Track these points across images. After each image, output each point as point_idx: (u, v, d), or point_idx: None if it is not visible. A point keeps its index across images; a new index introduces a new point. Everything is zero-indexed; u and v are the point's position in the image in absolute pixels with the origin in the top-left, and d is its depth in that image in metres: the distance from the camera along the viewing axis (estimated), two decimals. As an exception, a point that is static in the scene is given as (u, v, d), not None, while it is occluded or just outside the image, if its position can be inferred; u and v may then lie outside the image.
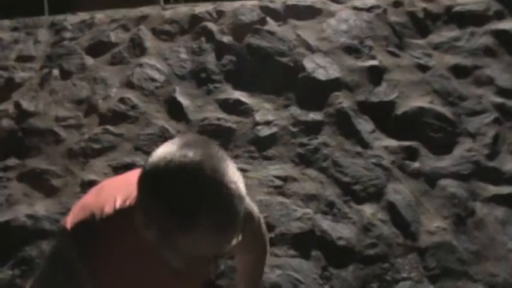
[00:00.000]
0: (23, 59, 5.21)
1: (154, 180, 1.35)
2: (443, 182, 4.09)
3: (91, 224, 1.51)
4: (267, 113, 4.34)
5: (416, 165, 4.16)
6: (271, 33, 4.83)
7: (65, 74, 4.94)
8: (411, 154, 4.22)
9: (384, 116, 4.40)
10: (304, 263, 3.56)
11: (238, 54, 4.72)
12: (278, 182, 3.93)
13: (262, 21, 4.91)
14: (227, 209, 1.33)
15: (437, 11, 5.19)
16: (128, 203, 1.52)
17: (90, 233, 1.50)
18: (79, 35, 5.29)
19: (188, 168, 1.33)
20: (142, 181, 1.38)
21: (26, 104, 4.74)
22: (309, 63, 4.63)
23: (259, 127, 4.25)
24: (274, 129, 4.24)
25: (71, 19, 5.51)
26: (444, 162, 4.20)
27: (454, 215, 3.94)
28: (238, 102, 4.42)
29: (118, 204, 1.53)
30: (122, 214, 1.51)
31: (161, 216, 1.33)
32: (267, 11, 5.03)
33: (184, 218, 1.31)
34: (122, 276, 1.53)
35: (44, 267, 1.58)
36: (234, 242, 1.39)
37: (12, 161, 4.39)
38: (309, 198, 3.85)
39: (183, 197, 1.31)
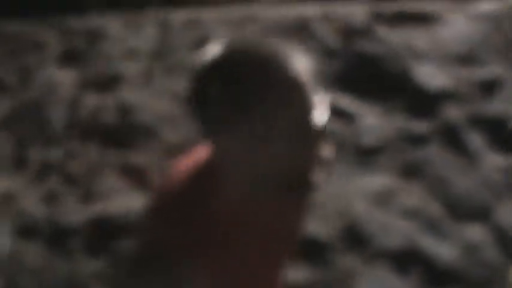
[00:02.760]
0: (129, 52, 5.27)
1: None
2: (558, 206, 3.80)
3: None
4: (372, 121, 4.18)
5: (529, 185, 3.89)
6: (380, 38, 4.66)
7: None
8: (524, 174, 3.95)
9: (496, 130, 4.15)
10: (401, 281, 3.38)
11: (346, 59, 4.58)
12: (379, 193, 3.76)
13: (371, 26, 4.75)
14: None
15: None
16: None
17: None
18: (185, 32, 5.31)
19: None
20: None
21: (129, 98, 4.79)
22: (418, 71, 4.43)
23: (363, 134, 4.09)
24: (378, 138, 4.07)
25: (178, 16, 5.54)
26: (560, 185, 3.91)
27: None
28: (343, 107, 4.28)
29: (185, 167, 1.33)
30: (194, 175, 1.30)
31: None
32: (376, 15, 4.86)
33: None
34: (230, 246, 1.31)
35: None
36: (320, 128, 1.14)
37: (112, 153, 4.44)
38: (410, 213, 3.66)
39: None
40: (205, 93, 1.12)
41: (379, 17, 4.85)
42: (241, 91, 1.09)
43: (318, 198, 3.72)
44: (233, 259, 1.29)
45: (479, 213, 3.71)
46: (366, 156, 4.00)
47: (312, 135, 1.15)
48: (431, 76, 4.41)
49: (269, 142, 1.12)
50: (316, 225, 3.58)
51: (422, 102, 4.27)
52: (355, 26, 4.77)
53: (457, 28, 4.80)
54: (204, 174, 1.29)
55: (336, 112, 4.27)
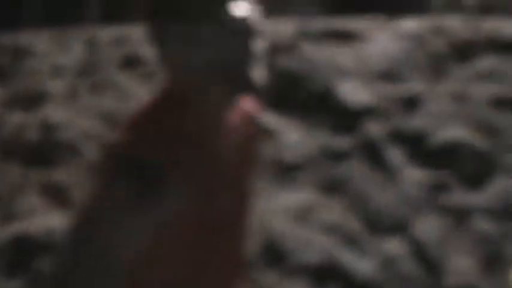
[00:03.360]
0: (55, 69, 5.22)
1: None
2: (474, 218, 3.91)
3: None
4: (295, 137, 4.23)
5: (447, 199, 3.98)
6: (305, 55, 4.73)
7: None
8: (442, 187, 4.04)
9: (416, 146, 4.24)
10: (320, 296, 3.42)
11: (270, 75, 4.63)
12: (299, 209, 3.80)
13: (297, 43, 4.82)
14: None
15: (478, 39, 5.02)
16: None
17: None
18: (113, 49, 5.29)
19: None
20: None
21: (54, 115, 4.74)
22: (341, 88, 4.50)
23: (285, 150, 4.14)
24: (300, 154, 4.12)
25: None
26: (477, 198, 4.02)
27: (485, 255, 3.75)
28: (266, 123, 4.32)
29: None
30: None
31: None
32: (302, 33, 4.94)
33: None
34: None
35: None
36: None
37: (35, 171, 4.37)
38: (330, 229, 3.71)
39: None
40: (155, 8, 1.34)
41: (305, 35, 4.93)
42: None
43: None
44: (206, 169, 1.34)
45: (398, 228, 3.78)
46: (287, 172, 4.04)
47: (238, 29, 1.33)
48: (354, 93, 4.49)
49: (205, 35, 1.31)
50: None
51: (344, 118, 4.34)
52: (281, 43, 4.83)
53: (380, 46, 4.91)
54: (168, 97, 1.39)
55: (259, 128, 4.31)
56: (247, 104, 1.52)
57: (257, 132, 1.52)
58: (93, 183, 1.29)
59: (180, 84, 1.36)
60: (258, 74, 1.34)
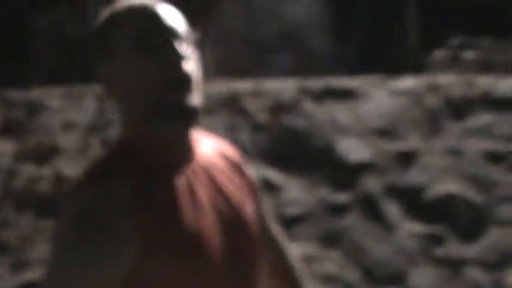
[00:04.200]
0: (67, 124, 5.42)
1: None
2: (468, 269, 4.04)
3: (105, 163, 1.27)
4: (296, 192, 4.39)
5: (441, 251, 4.12)
6: (306, 113, 4.92)
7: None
8: (437, 239, 4.18)
9: (412, 200, 4.40)
10: None
11: (273, 133, 4.82)
12: (299, 260, 3.94)
13: (299, 102, 5.02)
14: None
15: (473, 96, 5.22)
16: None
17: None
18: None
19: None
20: None
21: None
22: (340, 145, 4.69)
23: (287, 205, 4.30)
24: (301, 208, 4.28)
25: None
26: (471, 250, 4.16)
27: (478, 305, 3.87)
28: (267, 179, 4.49)
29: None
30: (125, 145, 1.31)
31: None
32: (303, 91, 5.14)
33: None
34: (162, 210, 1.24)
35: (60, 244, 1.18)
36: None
37: (46, 222, 4.52)
38: (329, 279, 3.85)
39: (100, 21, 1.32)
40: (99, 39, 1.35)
41: (306, 93, 5.14)
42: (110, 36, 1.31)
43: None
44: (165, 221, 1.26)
45: (395, 278, 3.91)
46: (288, 225, 4.20)
47: (164, 57, 1.27)
48: (352, 149, 4.67)
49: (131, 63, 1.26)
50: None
51: (343, 174, 4.51)
52: (283, 101, 5.03)
53: (378, 103, 5.11)
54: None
55: (262, 184, 4.48)
56: (225, 151, 1.46)
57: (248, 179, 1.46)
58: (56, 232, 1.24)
59: (130, 128, 1.31)
60: (196, 99, 1.25)
